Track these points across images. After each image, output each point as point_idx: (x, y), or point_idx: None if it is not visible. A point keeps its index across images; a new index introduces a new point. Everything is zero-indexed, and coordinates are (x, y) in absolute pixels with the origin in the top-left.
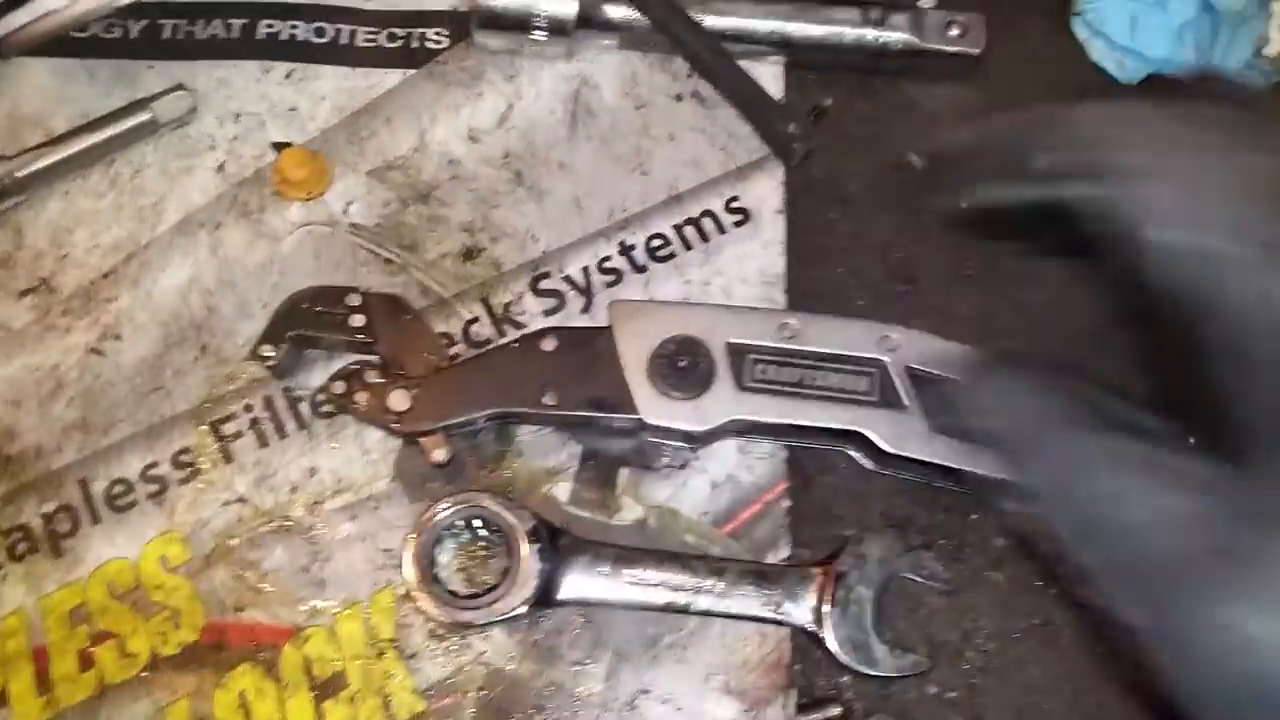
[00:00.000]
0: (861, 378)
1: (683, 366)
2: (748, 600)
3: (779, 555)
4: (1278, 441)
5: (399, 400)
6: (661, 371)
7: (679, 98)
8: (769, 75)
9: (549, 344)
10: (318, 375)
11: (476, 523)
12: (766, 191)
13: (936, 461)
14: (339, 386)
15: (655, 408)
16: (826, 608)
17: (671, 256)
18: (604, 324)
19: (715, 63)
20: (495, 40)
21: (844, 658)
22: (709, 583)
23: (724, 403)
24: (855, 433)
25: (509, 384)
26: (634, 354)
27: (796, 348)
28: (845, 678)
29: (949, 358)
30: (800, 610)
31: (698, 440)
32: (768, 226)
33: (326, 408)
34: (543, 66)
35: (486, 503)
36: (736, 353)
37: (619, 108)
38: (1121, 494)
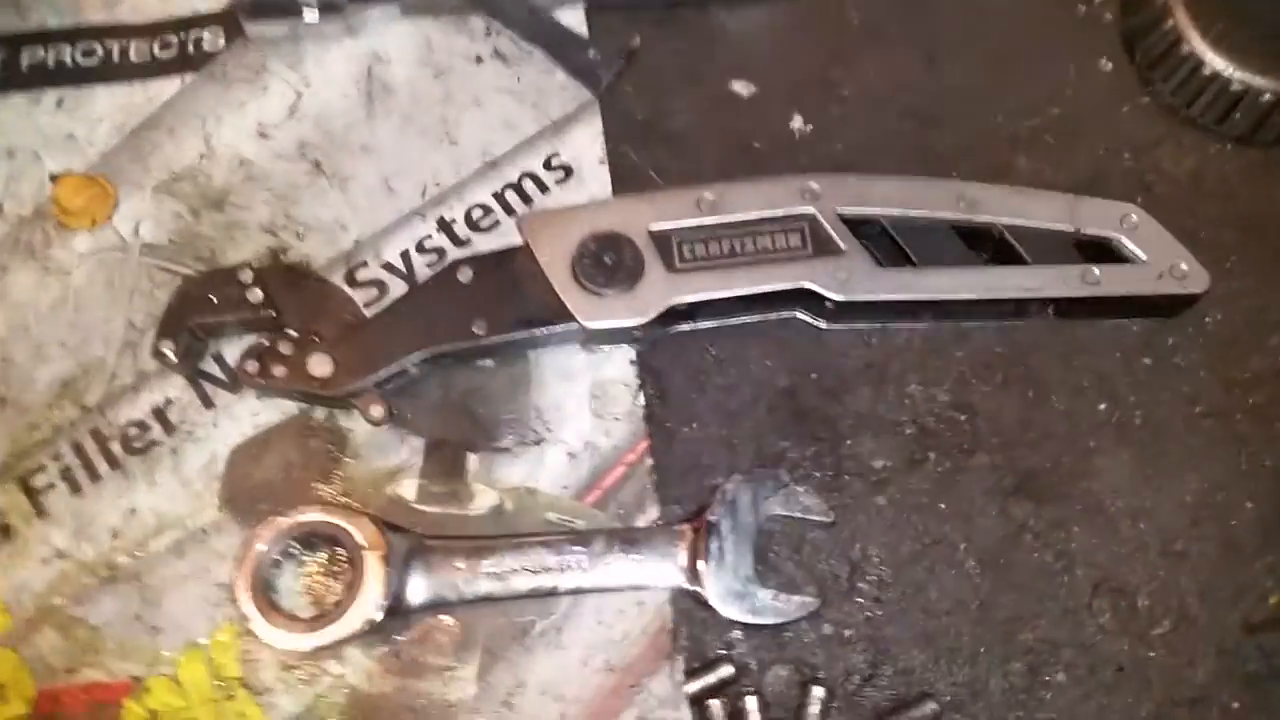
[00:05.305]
0: (793, 234)
1: (609, 263)
2: (617, 569)
3: (648, 517)
4: None
5: (320, 365)
6: (588, 273)
7: (479, 59)
8: (571, 21)
9: (465, 274)
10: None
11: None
12: (586, 142)
13: (888, 298)
14: (252, 365)
15: (590, 309)
16: (701, 563)
17: (495, 225)
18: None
19: (507, 4)
20: (269, 29)
21: (727, 611)
22: (573, 558)
23: (659, 289)
24: (800, 291)
25: (433, 322)
26: (557, 262)
27: (719, 220)
28: (734, 633)
29: (879, 195)
30: (674, 570)
31: (641, 337)
32: (591, 178)
33: (245, 387)
34: (328, 49)
35: (316, 516)
36: (660, 238)
37: (416, 79)
38: None
